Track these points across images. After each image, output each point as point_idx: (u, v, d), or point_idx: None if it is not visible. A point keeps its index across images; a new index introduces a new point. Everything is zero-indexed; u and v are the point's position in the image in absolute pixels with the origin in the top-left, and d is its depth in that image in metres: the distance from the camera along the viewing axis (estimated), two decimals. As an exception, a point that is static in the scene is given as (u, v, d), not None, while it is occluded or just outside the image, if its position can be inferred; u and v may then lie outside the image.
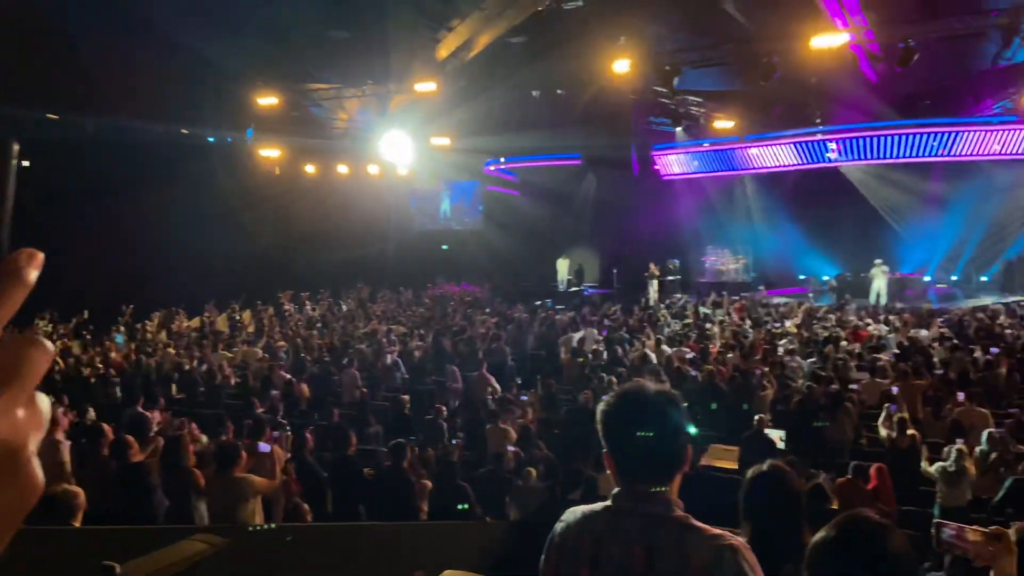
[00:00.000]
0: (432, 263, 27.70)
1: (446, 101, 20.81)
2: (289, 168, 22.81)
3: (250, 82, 18.03)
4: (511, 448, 7.95)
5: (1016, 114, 19.83)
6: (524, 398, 10.20)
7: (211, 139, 20.92)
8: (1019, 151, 20.49)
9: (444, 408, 9.81)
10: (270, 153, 21.12)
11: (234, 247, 18.91)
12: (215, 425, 8.54)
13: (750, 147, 23.20)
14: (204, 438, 7.88)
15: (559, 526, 1.96)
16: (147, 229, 17.82)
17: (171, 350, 14.50)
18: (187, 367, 12.79)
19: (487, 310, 19.85)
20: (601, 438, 1.95)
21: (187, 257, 17.64)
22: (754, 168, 23.94)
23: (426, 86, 18.18)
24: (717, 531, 1.77)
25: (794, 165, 22.98)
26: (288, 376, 11.77)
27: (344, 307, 21.14)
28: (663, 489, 1.83)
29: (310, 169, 23.56)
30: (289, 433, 7.31)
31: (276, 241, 21.36)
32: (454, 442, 8.02)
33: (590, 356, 13.09)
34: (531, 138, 24.02)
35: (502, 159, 26.43)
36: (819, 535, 1.84)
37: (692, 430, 1.94)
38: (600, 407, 1.96)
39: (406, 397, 10.87)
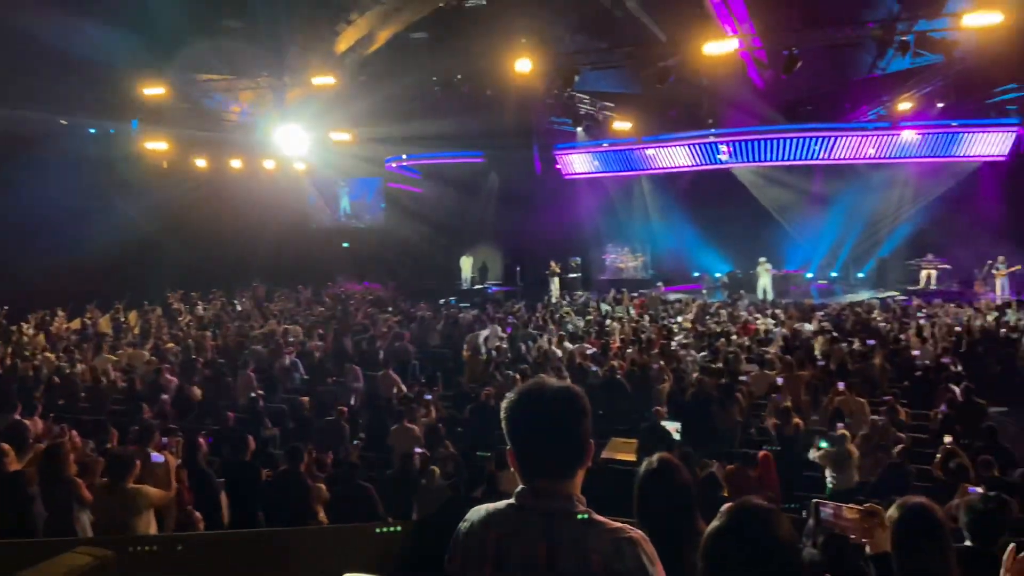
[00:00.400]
0: (332, 261, 27.13)
1: (346, 95, 20.39)
2: (179, 162, 21.74)
3: (135, 71, 17.06)
4: (418, 449, 7.90)
5: (889, 120, 21.29)
6: (428, 397, 10.13)
7: (92, 130, 19.69)
8: (892, 155, 22.02)
9: (345, 409, 9.62)
10: (157, 146, 20.04)
11: (119, 245, 17.89)
12: (99, 432, 8.09)
13: (647, 148, 23.88)
14: (89, 445, 7.46)
15: (464, 525, 1.95)
16: (20, 225, 16.64)
17: (49, 354, 13.61)
18: (68, 371, 12.04)
19: (389, 308, 19.62)
20: (505, 435, 1.94)
21: (66, 255, 16.55)
22: (651, 168, 24.66)
23: (324, 79, 17.75)
24: (617, 524, 1.81)
25: (689, 166, 23.82)
26: (176, 380, 11.27)
27: (239, 307, 20.40)
28: (565, 485, 1.84)
29: (201, 163, 22.53)
30: (180, 439, 7.00)
31: (164, 238, 20.34)
32: (355, 442, 7.89)
33: (494, 353, 13.16)
34: (434, 135, 23.87)
35: (404, 156, 26.13)
36: (712, 524, 1.91)
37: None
38: (503, 404, 1.96)
39: (306, 399, 10.62)
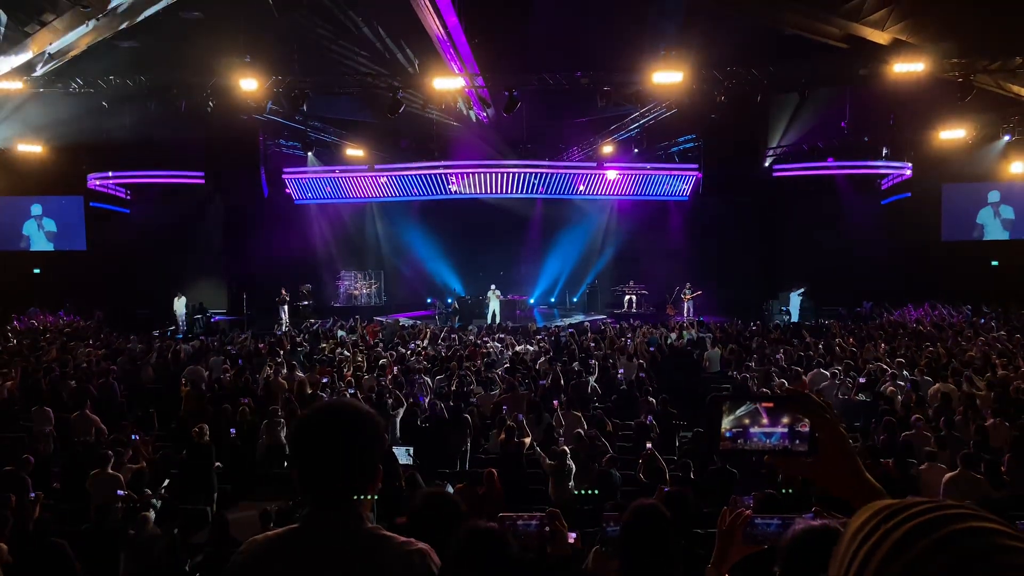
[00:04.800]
0: (20, 290, 23.52)
1: (39, 104, 18.04)
2: None
3: None
4: (120, 492, 7.08)
5: (595, 161, 23.75)
6: (135, 438, 9.15)
7: None
8: (598, 192, 24.56)
9: (31, 458, 8.34)
10: None
11: None
12: None
13: (380, 176, 24.08)
14: None
15: (237, 558, 1.83)
16: None
17: None
18: None
19: (90, 341, 17.48)
20: (293, 456, 1.90)
21: None
22: (384, 197, 24.88)
23: (9, 84, 15.55)
24: (404, 539, 1.83)
25: (420, 195, 24.42)
26: None
27: None
28: (353, 506, 1.82)
29: None
30: None
31: None
32: (33, 495, 6.88)
33: (216, 387, 12.31)
34: (147, 151, 21.88)
35: (110, 173, 23.49)
36: (450, 547, 2.02)
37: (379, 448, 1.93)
38: (294, 423, 1.90)
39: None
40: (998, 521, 0.74)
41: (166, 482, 8.11)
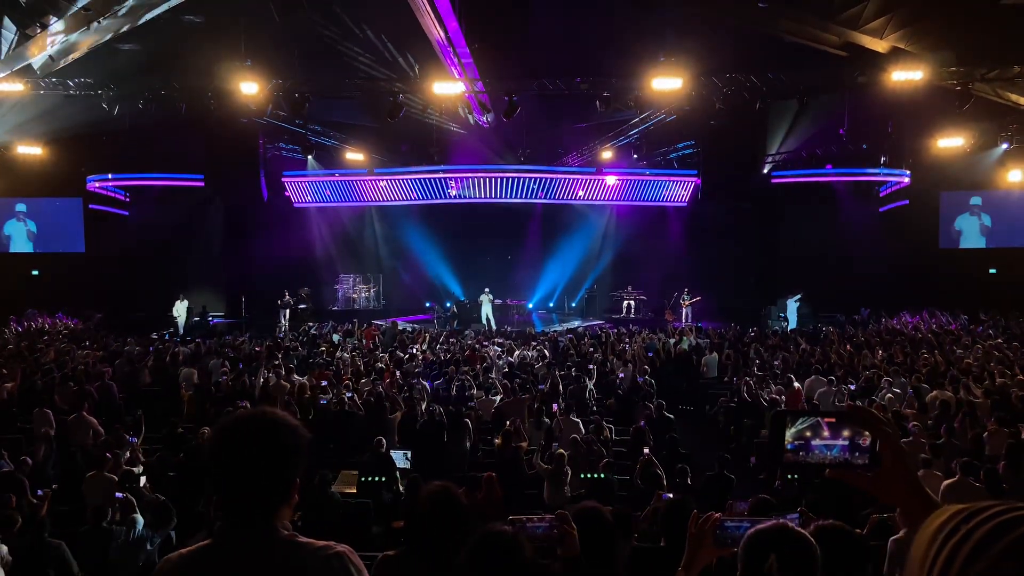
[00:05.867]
0: (18, 292, 23.48)
1: (39, 106, 18.06)
2: None
3: None
4: (119, 495, 7.07)
5: (594, 167, 23.78)
6: (133, 440, 9.16)
7: None
8: (597, 197, 24.60)
9: (29, 459, 8.35)
10: None
11: None
12: None
13: (379, 180, 24.10)
14: None
15: None
16: None
17: None
18: None
19: (87, 343, 17.47)
20: (210, 468, 1.83)
21: None
22: (383, 200, 24.90)
23: (10, 86, 15.58)
24: (323, 543, 1.80)
25: (420, 200, 24.44)
26: None
27: None
28: (268, 518, 1.78)
29: None
30: None
31: None
32: (39, 493, 6.88)
33: (213, 389, 12.31)
34: (147, 154, 21.90)
35: (110, 175, 23.49)
36: (465, 550, 2.02)
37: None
38: (211, 432, 1.87)
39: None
40: None
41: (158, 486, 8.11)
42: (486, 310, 23.10)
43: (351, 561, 1.80)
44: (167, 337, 19.85)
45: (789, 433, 1.46)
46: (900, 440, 1.41)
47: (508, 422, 9.82)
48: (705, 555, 2.25)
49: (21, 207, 25.03)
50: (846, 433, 1.43)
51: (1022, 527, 0.77)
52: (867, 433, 1.41)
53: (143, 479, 8.08)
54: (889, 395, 11.30)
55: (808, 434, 1.45)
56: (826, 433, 1.44)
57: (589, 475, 8.43)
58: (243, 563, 1.75)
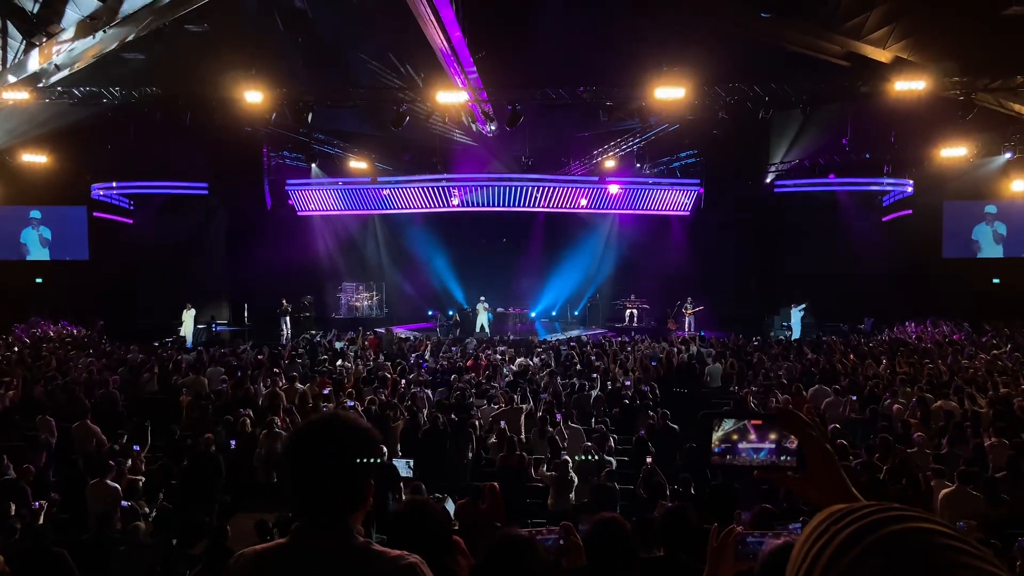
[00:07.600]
0: (22, 299, 23.51)
1: (44, 114, 18.14)
2: None
3: None
4: (124, 503, 7.08)
5: (597, 175, 23.82)
6: (136, 448, 9.16)
7: None
8: (600, 206, 24.62)
9: (32, 467, 8.34)
10: None
11: None
12: None
13: (383, 188, 24.16)
14: None
15: (226, 571, 1.83)
16: None
17: None
18: None
19: (90, 351, 17.48)
20: (285, 469, 1.87)
21: None
22: (387, 208, 24.96)
23: (16, 94, 15.66)
24: (397, 552, 1.81)
25: (422, 208, 24.49)
26: None
27: None
28: (343, 521, 1.80)
29: None
30: None
31: None
32: (36, 505, 6.87)
33: (213, 397, 12.31)
34: (151, 162, 22.00)
35: (114, 183, 23.58)
36: (480, 557, 2.01)
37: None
38: (287, 436, 1.90)
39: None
40: (940, 523, 0.77)
41: (161, 494, 8.11)
42: (482, 319, 23.10)
43: (423, 573, 1.80)
44: (169, 345, 19.85)
45: (716, 436, 1.45)
46: (827, 442, 1.40)
47: (505, 428, 9.83)
48: (726, 569, 2.23)
49: (35, 214, 25.10)
50: (772, 436, 1.42)
51: (882, 530, 0.76)
52: (793, 436, 1.40)
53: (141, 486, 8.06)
54: (897, 405, 11.25)
55: (735, 437, 1.44)
56: (752, 436, 1.43)
57: (583, 457, 8.47)
58: (318, 566, 1.76)
